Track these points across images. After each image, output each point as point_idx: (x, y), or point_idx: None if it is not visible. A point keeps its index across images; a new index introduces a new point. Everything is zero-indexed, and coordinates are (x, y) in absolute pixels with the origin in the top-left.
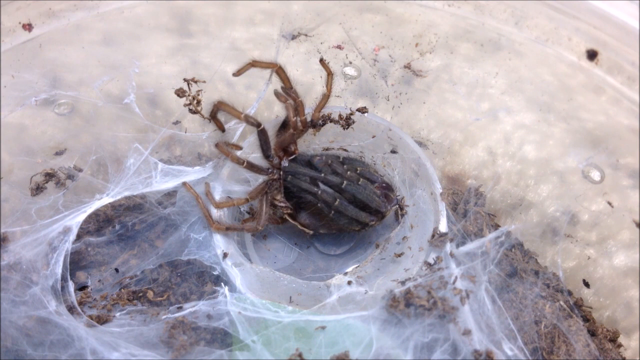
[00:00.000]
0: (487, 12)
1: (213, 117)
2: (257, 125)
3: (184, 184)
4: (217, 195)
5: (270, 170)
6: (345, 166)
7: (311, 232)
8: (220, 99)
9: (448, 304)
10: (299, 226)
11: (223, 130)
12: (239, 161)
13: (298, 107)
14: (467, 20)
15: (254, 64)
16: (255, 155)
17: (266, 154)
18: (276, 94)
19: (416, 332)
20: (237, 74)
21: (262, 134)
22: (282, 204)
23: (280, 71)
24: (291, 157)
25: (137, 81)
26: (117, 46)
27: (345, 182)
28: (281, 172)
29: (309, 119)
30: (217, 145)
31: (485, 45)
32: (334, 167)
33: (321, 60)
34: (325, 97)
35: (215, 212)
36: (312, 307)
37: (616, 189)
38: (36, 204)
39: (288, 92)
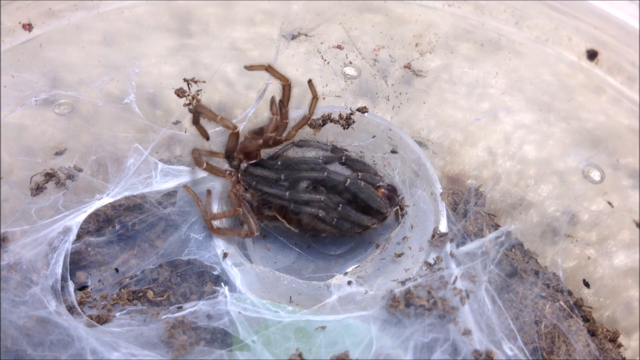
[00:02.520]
0: (487, 12)
1: (195, 123)
2: (233, 128)
3: (185, 186)
4: (217, 196)
5: (227, 172)
6: (345, 168)
7: (296, 230)
8: (198, 103)
9: (448, 304)
10: (286, 224)
11: (207, 138)
12: (200, 164)
13: (280, 126)
14: (467, 20)
15: (268, 69)
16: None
17: (229, 155)
18: (272, 102)
19: (416, 332)
20: (250, 68)
21: (234, 137)
22: (261, 204)
23: (287, 88)
24: (252, 162)
25: (137, 81)
26: (117, 46)
27: (348, 180)
28: (239, 174)
29: (284, 134)
30: (192, 151)
31: (485, 45)
32: (334, 176)
33: (309, 82)
34: (305, 119)
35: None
36: (312, 307)
37: (616, 189)
38: (36, 204)
39: (282, 108)
